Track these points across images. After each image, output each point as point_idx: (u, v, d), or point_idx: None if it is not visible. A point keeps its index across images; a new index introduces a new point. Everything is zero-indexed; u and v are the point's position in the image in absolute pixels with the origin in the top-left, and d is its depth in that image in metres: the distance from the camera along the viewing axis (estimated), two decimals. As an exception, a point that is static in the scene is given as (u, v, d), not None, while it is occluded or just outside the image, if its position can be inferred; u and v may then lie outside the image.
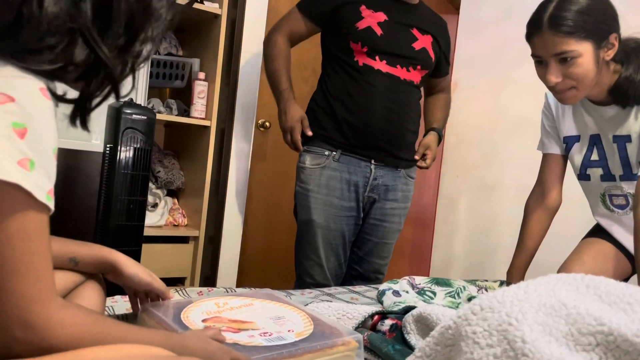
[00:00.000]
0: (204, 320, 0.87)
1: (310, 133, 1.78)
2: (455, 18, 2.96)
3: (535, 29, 1.32)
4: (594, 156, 1.44)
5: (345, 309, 1.06)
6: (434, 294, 1.39)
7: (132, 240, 1.81)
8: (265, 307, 0.96)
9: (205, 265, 2.36)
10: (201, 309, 0.92)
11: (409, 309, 1.07)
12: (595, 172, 1.46)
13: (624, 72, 1.31)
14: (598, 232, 1.57)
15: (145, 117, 1.79)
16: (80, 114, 0.65)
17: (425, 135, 1.96)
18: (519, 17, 2.53)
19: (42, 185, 0.56)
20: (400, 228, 1.96)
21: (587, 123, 1.44)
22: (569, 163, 1.55)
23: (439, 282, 1.46)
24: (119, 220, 1.78)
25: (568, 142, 1.50)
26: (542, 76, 1.34)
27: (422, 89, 1.95)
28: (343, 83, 1.78)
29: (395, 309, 1.13)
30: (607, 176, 1.44)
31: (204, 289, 1.23)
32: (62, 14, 0.57)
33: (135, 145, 1.77)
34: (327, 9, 1.79)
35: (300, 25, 1.83)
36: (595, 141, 1.44)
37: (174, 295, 0.88)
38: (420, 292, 1.39)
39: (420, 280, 1.45)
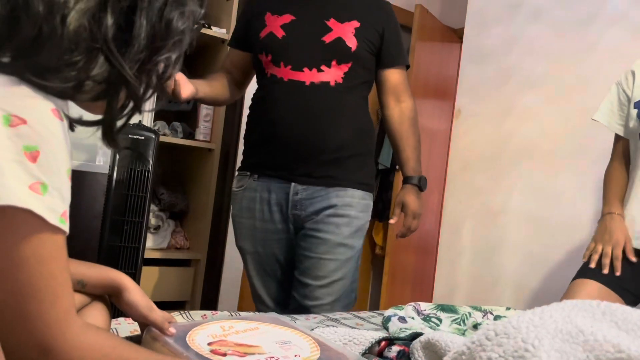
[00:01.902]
0: (209, 344, 0.86)
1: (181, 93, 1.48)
2: (458, 46, 3.00)
3: None
4: None
5: (351, 334, 1.04)
6: (440, 320, 1.37)
7: (126, 262, 1.76)
8: (271, 331, 0.95)
9: (206, 289, 2.34)
10: (207, 332, 0.90)
11: (416, 335, 1.05)
12: None
13: None
14: (585, 270, 1.57)
15: (142, 138, 1.77)
16: (108, 135, 0.65)
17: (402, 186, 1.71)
18: (522, 45, 2.58)
19: (55, 208, 0.55)
20: (342, 242, 1.60)
21: None
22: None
23: (444, 308, 1.44)
24: (112, 241, 1.74)
25: None
26: None
27: (363, 85, 1.67)
28: (256, 101, 1.69)
29: (402, 335, 1.12)
30: None
31: (208, 312, 1.21)
32: (83, 29, 0.57)
33: (131, 166, 1.74)
34: (242, 31, 1.72)
35: (232, 56, 1.75)
36: None
37: (174, 332, 0.87)
38: (426, 318, 1.37)
39: (425, 307, 1.44)
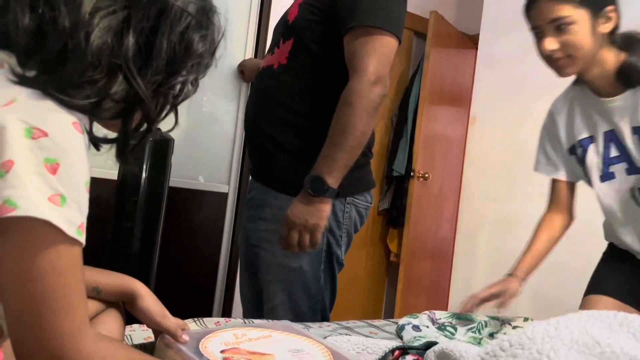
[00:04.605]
0: (222, 352, 0.86)
1: None
2: (473, 53, 2.98)
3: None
4: (614, 152, 1.40)
5: (365, 343, 1.04)
6: (455, 329, 1.36)
7: (116, 267, 1.74)
8: (284, 339, 0.95)
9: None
10: (220, 340, 0.90)
11: (430, 344, 1.04)
12: (620, 168, 1.41)
13: (630, 58, 1.28)
14: (598, 285, 1.54)
15: (135, 142, 1.76)
16: (122, 153, 0.67)
17: None
18: (538, 52, 2.56)
19: (73, 220, 0.56)
20: (277, 261, 1.38)
21: (597, 121, 1.40)
22: (590, 169, 1.49)
23: (460, 317, 1.43)
24: (114, 246, 1.74)
25: (583, 146, 1.45)
26: (540, 47, 1.32)
27: (315, 65, 1.36)
28: None
29: (416, 344, 1.11)
30: (633, 169, 1.39)
31: (222, 320, 1.21)
32: (106, 47, 0.58)
33: (123, 170, 1.74)
34: None
35: None
36: (611, 137, 1.40)
37: (187, 339, 0.87)
38: (441, 327, 1.36)
39: (440, 315, 1.42)
